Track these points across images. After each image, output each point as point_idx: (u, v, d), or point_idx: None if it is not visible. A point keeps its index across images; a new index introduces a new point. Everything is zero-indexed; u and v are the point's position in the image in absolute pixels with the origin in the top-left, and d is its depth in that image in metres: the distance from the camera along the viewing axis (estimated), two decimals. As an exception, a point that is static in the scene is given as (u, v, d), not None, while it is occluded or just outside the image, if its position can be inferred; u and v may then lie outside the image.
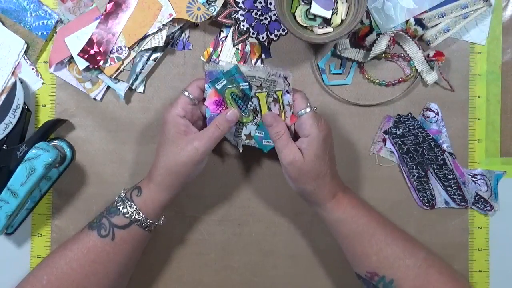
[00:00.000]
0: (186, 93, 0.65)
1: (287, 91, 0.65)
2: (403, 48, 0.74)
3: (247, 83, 0.65)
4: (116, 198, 0.67)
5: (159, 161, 0.65)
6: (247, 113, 0.66)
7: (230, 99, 0.65)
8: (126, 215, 0.65)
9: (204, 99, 0.66)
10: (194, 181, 0.75)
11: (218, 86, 0.65)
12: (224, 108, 0.66)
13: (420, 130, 0.75)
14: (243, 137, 0.68)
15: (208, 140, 0.63)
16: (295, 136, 0.66)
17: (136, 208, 0.65)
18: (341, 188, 0.66)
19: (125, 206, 0.65)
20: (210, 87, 0.65)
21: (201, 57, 0.74)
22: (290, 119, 0.66)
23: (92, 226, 0.66)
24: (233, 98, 0.65)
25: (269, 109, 0.66)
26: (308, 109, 0.64)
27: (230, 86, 0.65)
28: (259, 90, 0.65)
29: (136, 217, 0.65)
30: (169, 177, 0.64)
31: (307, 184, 0.64)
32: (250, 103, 0.66)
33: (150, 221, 0.65)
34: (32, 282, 0.65)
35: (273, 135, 0.64)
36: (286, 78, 0.65)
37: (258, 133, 0.67)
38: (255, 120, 0.67)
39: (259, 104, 0.66)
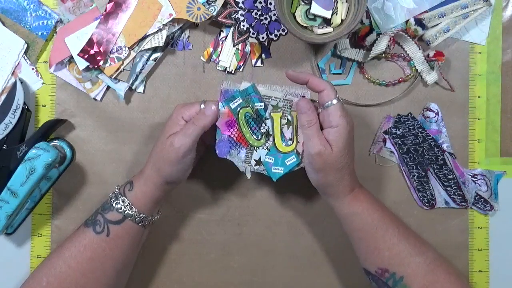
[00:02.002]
0: (202, 106, 0.65)
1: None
2: (403, 48, 0.74)
3: (263, 104, 0.64)
4: (110, 194, 0.67)
5: (151, 155, 0.66)
6: (259, 137, 0.65)
7: (243, 120, 0.64)
8: (119, 210, 0.65)
9: (211, 127, 0.64)
10: (195, 181, 0.75)
11: (233, 105, 0.64)
12: (235, 130, 0.64)
13: (420, 130, 0.75)
14: (253, 162, 0.65)
15: (183, 135, 0.62)
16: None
17: (128, 203, 0.65)
18: (357, 184, 0.66)
19: (118, 201, 0.65)
20: (224, 106, 0.64)
21: (201, 57, 0.74)
22: (302, 144, 0.64)
23: (88, 223, 0.66)
24: (246, 120, 0.64)
25: (282, 132, 0.65)
26: (335, 101, 0.62)
27: (245, 105, 0.64)
28: (274, 111, 0.65)
29: (129, 211, 0.65)
30: (154, 172, 0.65)
31: (330, 175, 0.63)
32: (263, 125, 0.65)
33: (143, 216, 0.66)
34: (32, 285, 0.65)
35: (304, 122, 0.63)
36: (303, 97, 0.64)
37: (268, 158, 0.65)
38: (267, 145, 0.65)
39: (273, 126, 0.65)
